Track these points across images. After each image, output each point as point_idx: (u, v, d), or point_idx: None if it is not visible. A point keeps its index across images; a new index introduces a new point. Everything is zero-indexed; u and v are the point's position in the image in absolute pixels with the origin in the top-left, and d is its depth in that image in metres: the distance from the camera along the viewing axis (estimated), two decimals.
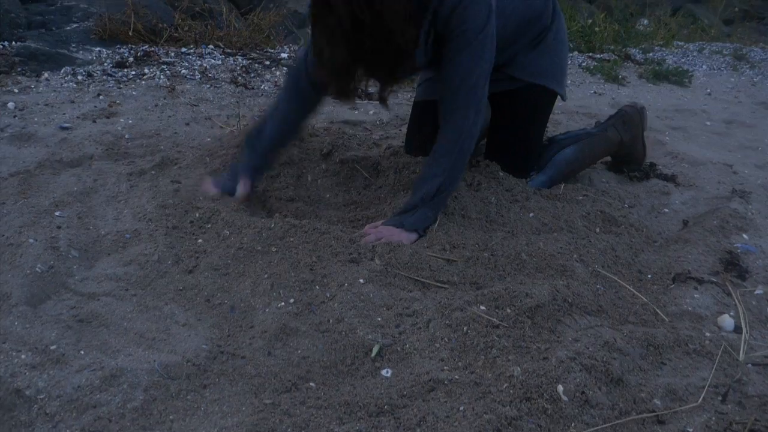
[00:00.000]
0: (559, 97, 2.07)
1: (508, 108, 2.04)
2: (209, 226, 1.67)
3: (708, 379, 1.21)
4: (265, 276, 1.47)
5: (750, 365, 1.28)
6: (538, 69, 1.97)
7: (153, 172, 2.03)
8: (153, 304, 1.39)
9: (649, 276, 1.65)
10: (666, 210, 2.14)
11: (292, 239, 1.59)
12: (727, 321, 1.45)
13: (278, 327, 1.30)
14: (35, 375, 1.09)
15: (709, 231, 1.89)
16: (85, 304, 1.35)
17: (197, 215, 1.70)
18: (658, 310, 1.48)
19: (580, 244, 1.72)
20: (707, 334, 1.38)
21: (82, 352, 1.19)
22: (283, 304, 1.38)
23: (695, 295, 1.54)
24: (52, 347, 1.18)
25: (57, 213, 1.71)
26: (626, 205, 2.09)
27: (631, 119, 2.30)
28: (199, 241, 1.61)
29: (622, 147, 2.31)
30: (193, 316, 1.37)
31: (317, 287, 1.44)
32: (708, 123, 3.57)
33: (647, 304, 1.51)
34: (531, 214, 1.85)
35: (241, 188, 1.82)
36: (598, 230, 1.86)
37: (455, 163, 1.69)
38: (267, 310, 1.37)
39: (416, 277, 1.49)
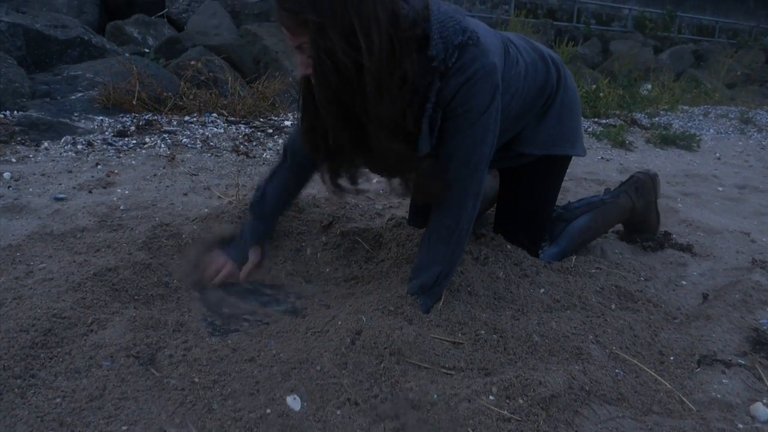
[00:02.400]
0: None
1: (518, 181, 1.96)
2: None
3: None
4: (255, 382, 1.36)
5: None
6: (548, 139, 1.86)
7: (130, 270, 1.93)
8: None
9: (672, 358, 1.53)
10: (684, 282, 2.03)
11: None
12: (761, 410, 1.32)
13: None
14: None
15: (732, 306, 1.78)
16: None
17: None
18: (684, 399, 1.35)
19: (595, 322, 1.61)
20: (740, 425, 1.26)
21: None
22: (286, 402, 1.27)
23: (723, 380, 1.42)
24: None
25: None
26: (642, 278, 1.98)
27: (643, 185, 2.23)
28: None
29: (635, 214, 2.24)
30: None
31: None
32: (720, 188, 3.49)
33: (672, 391, 1.38)
34: (542, 290, 1.75)
35: (254, 256, 1.81)
36: (613, 307, 1.74)
37: (454, 251, 1.59)
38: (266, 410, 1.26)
39: (420, 363, 1.37)
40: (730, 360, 1.49)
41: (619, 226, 2.37)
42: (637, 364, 1.47)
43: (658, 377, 1.43)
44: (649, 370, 1.45)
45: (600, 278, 1.88)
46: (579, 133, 1.97)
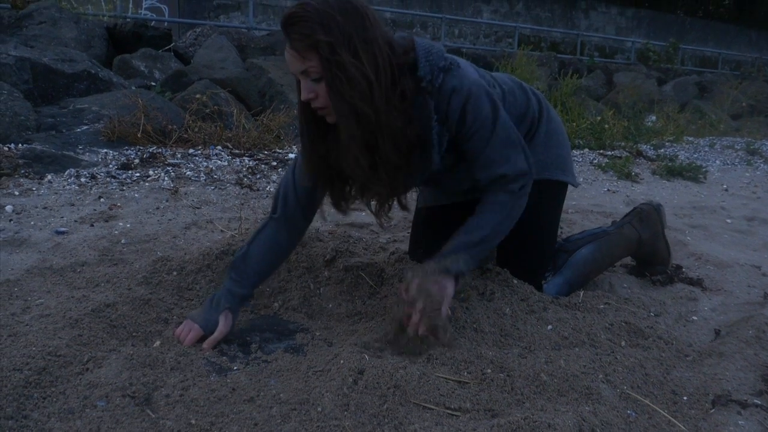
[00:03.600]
0: (570, 186, 2.00)
1: None
2: None
3: None
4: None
5: None
6: (539, 164, 1.86)
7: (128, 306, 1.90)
8: None
9: (685, 398, 1.48)
10: (695, 318, 1.98)
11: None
12: None
13: None
14: None
15: (745, 342, 1.72)
16: None
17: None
18: None
19: (605, 361, 1.56)
20: None
21: None
22: None
23: (739, 422, 1.37)
24: None
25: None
26: (652, 314, 1.94)
27: (647, 216, 2.20)
28: None
29: (643, 246, 2.20)
30: None
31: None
32: (729, 220, 3.45)
33: None
34: (549, 327, 1.70)
35: (222, 324, 1.61)
36: (623, 344, 1.70)
37: (502, 222, 1.65)
38: None
39: (424, 404, 1.33)
40: (745, 400, 1.44)
41: (631, 261, 2.33)
42: (649, 405, 1.42)
43: (672, 419, 1.38)
44: (662, 411, 1.40)
45: (609, 314, 1.83)
46: (568, 162, 2.00)
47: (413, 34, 1.64)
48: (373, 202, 1.72)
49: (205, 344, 1.58)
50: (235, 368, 1.50)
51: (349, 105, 1.42)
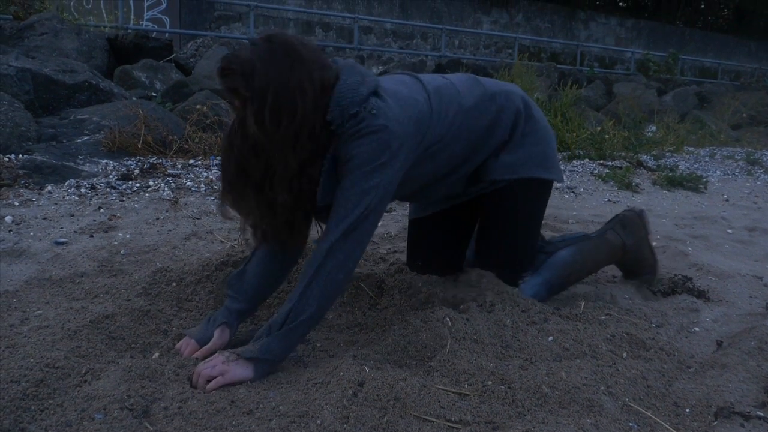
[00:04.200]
0: (556, 183, 2.02)
1: (493, 207, 1.95)
2: None
3: None
4: None
5: None
6: (514, 163, 1.88)
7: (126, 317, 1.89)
8: None
9: (687, 410, 1.47)
10: (696, 329, 1.97)
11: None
12: None
13: None
14: None
15: (748, 354, 1.71)
16: None
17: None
18: None
19: (606, 372, 1.55)
20: None
21: None
22: None
23: None
24: None
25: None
26: (653, 325, 1.93)
27: (630, 222, 2.19)
28: None
29: (627, 252, 2.19)
30: None
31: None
32: (729, 231, 3.44)
33: None
34: (550, 338, 1.69)
35: (217, 338, 1.60)
36: (625, 355, 1.69)
37: (311, 289, 1.49)
38: None
39: (424, 416, 1.32)
40: (748, 412, 1.43)
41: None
42: (651, 417, 1.41)
43: (674, 431, 1.37)
44: (664, 424, 1.39)
45: (610, 325, 1.82)
46: (550, 158, 1.96)
47: (349, 59, 1.65)
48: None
49: (197, 354, 1.57)
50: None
51: (238, 156, 1.48)
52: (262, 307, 1.92)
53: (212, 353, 1.55)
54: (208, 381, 1.43)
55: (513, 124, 1.89)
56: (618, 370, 1.57)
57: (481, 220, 2.00)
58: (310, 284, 1.49)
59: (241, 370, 1.45)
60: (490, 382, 1.45)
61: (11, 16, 7.23)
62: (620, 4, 21.24)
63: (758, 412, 1.44)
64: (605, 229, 2.18)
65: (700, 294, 2.23)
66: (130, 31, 8.15)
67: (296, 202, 1.52)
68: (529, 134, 1.92)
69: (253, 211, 1.55)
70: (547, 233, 2.76)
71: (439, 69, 10.96)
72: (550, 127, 2.04)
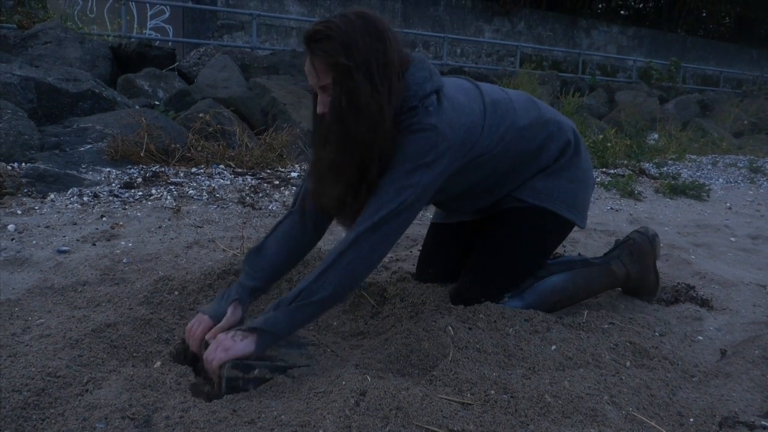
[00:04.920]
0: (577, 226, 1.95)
1: (506, 225, 1.89)
2: None
3: None
4: None
5: None
6: (543, 191, 1.86)
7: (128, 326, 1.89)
8: None
9: (692, 420, 1.46)
10: (700, 338, 1.96)
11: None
12: None
13: None
14: None
15: (752, 362, 1.71)
16: None
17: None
18: None
19: (610, 382, 1.54)
20: None
21: None
22: None
23: None
24: None
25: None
26: (657, 334, 1.92)
27: (639, 249, 2.08)
28: None
29: (630, 281, 2.11)
30: None
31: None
32: (733, 239, 3.44)
33: None
34: (553, 347, 1.69)
35: (231, 314, 1.60)
36: (628, 364, 1.68)
37: (329, 273, 1.48)
38: None
39: (427, 426, 1.31)
40: (753, 422, 1.42)
41: None
42: (655, 427, 1.40)
43: None
44: None
45: (613, 334, 1.81)
46: (580, 201, 1.93)
47: (419, 53, 1.64)
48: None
49: (209, 335, 1.57)
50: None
51: (348, 133, 1.45)
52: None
53: (224, 330, 1.56)
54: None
55: (558, 155, 1.88)
56: (621, 379, 1.57)
57: (485, 234, 1.93)
58: (328, 268, 1.49)
59: (244, 344, 1.45)
60: (492, 392, 1.44)
61: (15, 25, 7.26)
62: (622, 12, 21.29)
63: (763, 422, 1.43)
64: (611, 257, 2.07)
65: (704, 302, 2.22)
66: (133, 40, 8.18)
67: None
68: (570, 169, 1.89)
69: (344, 188, 1.53)
70: None
71: None
72: (593, 175, 2.00)
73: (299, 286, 1.50)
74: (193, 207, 3.09)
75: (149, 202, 3.09)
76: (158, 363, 1.59)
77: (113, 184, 3.35)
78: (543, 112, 1.89)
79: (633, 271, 2.09)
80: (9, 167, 3.31)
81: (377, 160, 1.49)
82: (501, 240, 1.89)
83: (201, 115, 4.46)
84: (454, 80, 1.77)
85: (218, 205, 3.16)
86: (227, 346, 1.45)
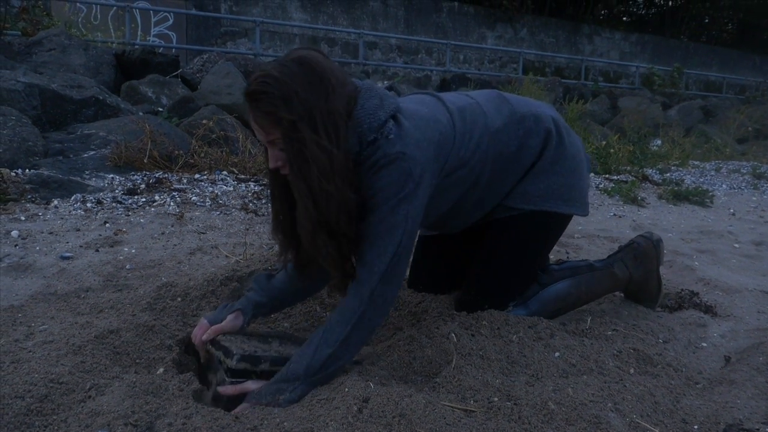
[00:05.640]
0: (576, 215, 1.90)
1: (500, 233, 1.86)
2: None
3: None
4: None
5: None
6: (534, 194, 1.80)
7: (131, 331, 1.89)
8: None
9: (696, 427, 1.45)
10: (704, 345, 1.96)
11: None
12: None
13: None
14: None
15: (756, 370, 1.70)
16: None
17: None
18: None
19: (613, 389, 1.53)
20: None
21: None
22: None
23: None
24: None
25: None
26: (661, 341, 1.91)
27: (644, 254, 2.07)
28: None
29: (632, 284, 2.10)
30: None
31: None
32: (736, 245, 3.43)
33: None
34: (556, 354, 1.68)
35: (231, 320, 1.62)
36: (632, 371, 1.67)
37: (350, 335, 1.46)
38: None
39: None
40: (757, 429, 1.42)
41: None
42: None
43: None
44: None
45: (617, 341, 1.81)
46: (576, 190, 1.87)
47: (366, 81, 1.57)
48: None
49: (206, 334, 1.60)
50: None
51: (308, 185, 1.39)
52: (267, 321, 1.92)
53: (221, 332, 1.60)
54: None
55: (542, 149, 1.80)
56: (625, 386, 1.56)
57: (484, 243, 1.90)
58: (352, 332, 1.46)
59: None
60: (496, 399, 1.44)
61: (20, 32, 7.30)
62: (624, 18, 21.32)
63: (767, 429, 1.43)
64: (614, 259, 2.06)
65: (708, 309, 2.21)
66: (137, 46, 8.22)
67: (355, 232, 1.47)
68: (558, 162, 1.81)
69: (316, 244, 1.45)
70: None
71: (444, 84, 11.00)
72: (583, 152, 1.93)
73: (323, 351, 1.44)
74: (196, 213, 3.09)
75: (152, 209, 3.10)
76: (161, 369, 1.59)
77: (116, 191, 3.35)
78: (516, 107, 1.81)
79: (636, 275, 2.08)
80: (13, 173, 3.32)
81: (342, 209, 1.42)
82: (503, 248, 1.87)
83: (204, 121, 4.47)
84: (412, 96, 1.72)
85: (221, 212, 3.16)
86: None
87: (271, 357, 1.53)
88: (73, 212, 2.95)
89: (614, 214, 4.06)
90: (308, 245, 1.47)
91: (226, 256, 2.48)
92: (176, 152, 4.07)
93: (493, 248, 1.88)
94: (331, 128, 1.38)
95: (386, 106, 1.51)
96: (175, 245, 2.60)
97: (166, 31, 12.02)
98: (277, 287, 1.71)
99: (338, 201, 1.40)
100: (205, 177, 3.81)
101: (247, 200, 3.40)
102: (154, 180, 3.57)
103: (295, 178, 1.41)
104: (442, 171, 1.61)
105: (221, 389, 1.48)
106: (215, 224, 2.96)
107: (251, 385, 1.47)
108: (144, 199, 3.22)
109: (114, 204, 3.12)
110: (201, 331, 1.63)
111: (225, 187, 3.61)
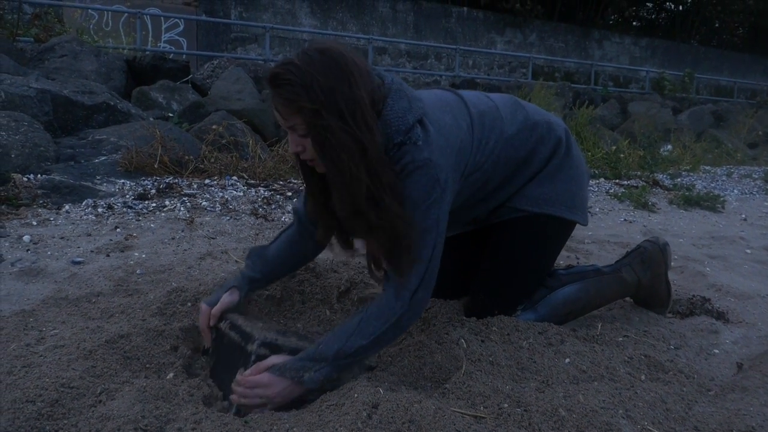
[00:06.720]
0: (579, 223, 1.93)
1: (507, 236, 1.88)
2: None
3: None
4: None
5: None
6: (540, 197, 1.83)
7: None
8: None
9: None
10: (716, 351, 1.94)
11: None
12: None
13: None
14: None
15: None
16: None
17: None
18: None
19: (625, 395, 1.52)
20: None
21: None
22: None
23: None
24: None
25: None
26: (672, 347, 1.90)
27: (651, 258, 2.07)
28: None
29: (641, 289, 2.09)
30: None
31: None
32: (748, 251, 3.40)
33: None
34: (567, 360, 1.67)
35: (227, 298, 1.71)
36: (643, 378, 1.66)
37: (385, 333, 1.49)
38: None
39: None
40: None
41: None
42: None
43: None
44: None
45: (628, 347, 1.80)
46: (579, 199, 1.90)
47: (392, 75, 1.58)
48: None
49: (211, 319, 1.70)
50: None
51: (340, 172, 1.40)
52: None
53: (221, 314, 1.69)
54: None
55: (549, 156, 1.85)
56: (636, 393, 1.55)
57: (490, 246, 1.92)
58: (387, 330, 1.50)
59: (294, 391, 1.47)
60: (506, 405, 1.43)
61: (32, 39, 7.36)
62: (634, 23, 21.24)
63: None
64: (622, 264, 2.07)
65: (720, 315, 2.19)
66: (148, 52, 8.26)
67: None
68: (563, 169, 1.86)
69: (354, 227, 1.51)
70: (561, 256, 2.74)
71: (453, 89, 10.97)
72: (586, 168, 1.97)
73: (356, 341, 1.47)
74: (206, 218, 3.10)
75: (163, 214, 3.11)
76: (171, 374, 1.59)
77: (127, 196, 3.37)
78: (530, 114, 1.86)
79: (644, 279, 2.07)
80: (25, 179, 3.34)
81: (385, 192, 1.44)
82: (508, 252, 1.88)
83: (214, 126, 4.49)
84: (437, 95, 1.72)
85: (231, 217, 3.17)
86: (275, 400, 1.46)
87: (290, 347, 1.55)
88: (84, 217, 2.97)
89: (625, 220, 4.04)
90: (348, 228, 1.55)
91: (236, 261, 2.48)
92: (186, 157, 4.09)
93: (500, 251, 1.89)
94: (358, 114, 1.39)
95: (414, 110, 1.53)
96: (186, 250, 2.60)
97: (177, 37, 12.10)
98: (273, 260, 1.78)
99: (380, 184, 1.42)
100: (215, 182, 3.82)
101: (257, 205, 3.41)
102: (164, 185, 3.58)
103: (326, 167, 1.43)
104: (462, 176, 1.65)
105: (240, 379, 1.49)
106: (225, 229, 2.96)
107: (275, 359, 1.50)
108: (154, 204, 3.24)
109: (125, 209, 3.13)
110: (205, 318, 1.71)
111: (235, 192, 3.63)
